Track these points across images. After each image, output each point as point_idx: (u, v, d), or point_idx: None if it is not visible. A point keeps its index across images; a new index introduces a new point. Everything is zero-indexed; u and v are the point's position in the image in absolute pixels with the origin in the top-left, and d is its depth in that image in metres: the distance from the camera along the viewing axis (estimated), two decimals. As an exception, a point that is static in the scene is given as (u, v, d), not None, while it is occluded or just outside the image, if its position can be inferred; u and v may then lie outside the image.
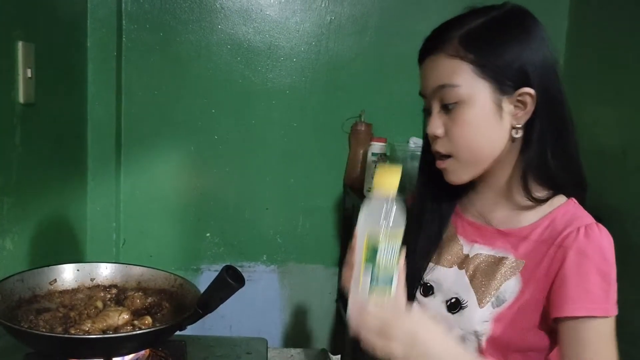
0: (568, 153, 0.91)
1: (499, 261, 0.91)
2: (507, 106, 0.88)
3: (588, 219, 0.89)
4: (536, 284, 0.87)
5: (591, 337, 0.82)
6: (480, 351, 0.89)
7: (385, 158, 1.90)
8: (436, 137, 0.91)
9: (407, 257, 0.99)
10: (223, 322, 2.07)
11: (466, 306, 0.91)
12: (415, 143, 1.93)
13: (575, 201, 0.92)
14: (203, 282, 2.01)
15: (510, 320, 0.88)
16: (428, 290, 0.98)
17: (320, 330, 2.19)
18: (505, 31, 0.88)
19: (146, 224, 2.04)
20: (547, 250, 0.87)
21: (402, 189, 0.76)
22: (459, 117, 0.88)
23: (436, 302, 0.95)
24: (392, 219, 0.74)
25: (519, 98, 0.88)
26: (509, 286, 0.89)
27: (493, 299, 0.89)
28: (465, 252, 0.97)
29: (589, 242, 0.84)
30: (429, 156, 0.97)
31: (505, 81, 0.87)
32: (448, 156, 0.91)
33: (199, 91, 2.00)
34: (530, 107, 0.88)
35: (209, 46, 1.98)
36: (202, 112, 2.01)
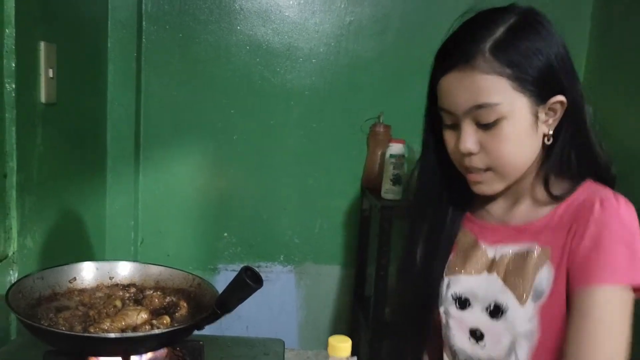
0: (593, 148, 0.90)
1: (526, 255, 0.90)
2: (541, 115, 0.87)
3: (605, 192, 0.87)
4: (564, 264, 0.86)
5: (604, 305, 0.79)
6: (535, 351, 0.87)
7: (403, 159, 1.89)
8: (470, 154, 0.88)
9: (420, 270, 1.00)
10: (240, 322, 2.07)
11: (507, 308, 0.89)
12: (434, 145, 1.91)
13: (592, 181, 0.91)
14: (220, 281, 2.04)
15: (554, 308, 0.86)
16: (464, 304, 0.95)
17: (337, 331, 2.18)
18: (531, 38, 0.85)
19: (164, 223, 2.05)
20: (567, 232, 0.86)
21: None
22: (499, 134, 0.85)
23: (476, 313, 0.93)
24: None
25: (551, 106, 0.87)
26: (543, 276, 0.87)
27: (532, 293, 0.87)
28: (490, 256, 0.95)
29: (604, 212, 0.83)
30: (437, 167, 0.96)
31: (541, 92, 0.85)
32: (486, 170, 0.89)
33: (218, 92, 2.01)
34: (560, 113, 0.88)
35: (228, 47, 1.99)
36: (221, 113, 2.02)
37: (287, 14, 1.99)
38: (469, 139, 0.87)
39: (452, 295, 0.97)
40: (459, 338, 0.96)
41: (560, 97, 0.86)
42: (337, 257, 2.14)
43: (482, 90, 0.83)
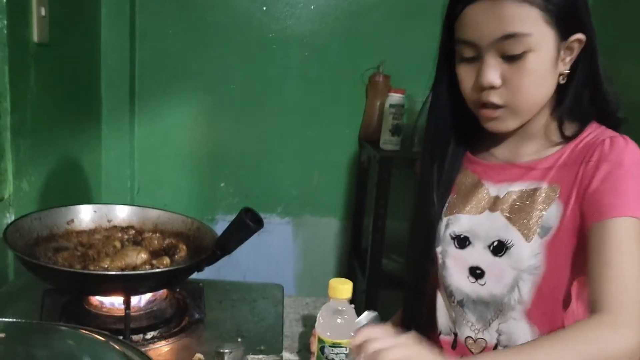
0: (602, 92, 0.89)
1: (533, 192, 0.90)
2: (561, 53, 0.85)
3: (612, 132, 0.87)
4: (573, 202, 0.85)
5: (622, 236, 0.78)
6: (538, 286, 0.87)
7: (403, 110, 1.87)
8: (492, 88, 0.85)
9: (422, 209, 1.00)
10: (238, 271, 2.07)
11: (512, 245, 0.89)
12: (435, 96, 1.88)
13: (597, 123, 0.90)
14: (218, 231, 2.02)
15: (560, 245, 0.86)
16: (464, 242, 0.95)
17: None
18: None
19: (161, 172, 2.03)
20: (577, 170, 0.86)
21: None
22: (525, 67, 0.83)
23: (477, 251, 0.93)
24: (340, 327, 0.85)
25: (570, 44, 0.85)
26: (551, 213, 0.87)
27: (538, 230, 0.87)
28: (493, 194, 0.95)
29: (614, 149, 0.83)
30: (443, 104, 0.95)
31: (566, 27, 0.83)
32: (498, 106, 0.87)
33: (215, 38, 1.96)
34: (577, 52, 0.86)
35: (226, -9, 1.93)
36: (219, 61, 1.97)
37: (287, -43, 1.92)
38: (493, 71, 0.84)
39: (450, 235, 0.97)
40: (456, 277, 0.96)
41: (580, 35, 0.84)
42: (334, 209, 2.13)
43: (513, 18, 0.80)
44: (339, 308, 0.86)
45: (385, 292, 1.86)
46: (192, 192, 2.07)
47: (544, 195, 0.88)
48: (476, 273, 0.94)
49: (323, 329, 0.86)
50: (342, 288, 0.86)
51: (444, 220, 0.98)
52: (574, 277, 0.88)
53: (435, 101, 0.98)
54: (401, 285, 1.69)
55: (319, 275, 2.16)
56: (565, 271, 0.87)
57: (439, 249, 0.98)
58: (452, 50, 0.90)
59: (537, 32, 0.81)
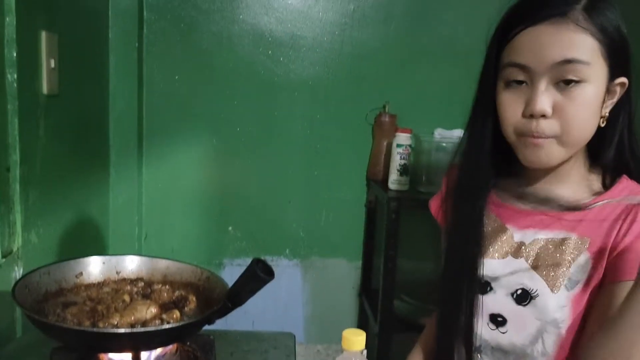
0: (636, 141, 0.88)
1: (561, 242, 0.87)
2: (607, 93, 0.84)
3: None
4: (603, 260, 0.83)
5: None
6: (562, 339, 0.85)
7: (410, 149, 1.87)
8: (543, 116, 0.81)
9: (454, 255, 0.97)
10: (246, 318, 2.05)
11: (537, 295, 0.86)
12: (441, 134, 1.89)
13: (627, 177, 0.89)
14: (226, 276, 1.97)
15: (585, 301, 0.84)
16: (485, 287, 0.92)
17: (344, 324, 2.16)
18: (612, 10, 0.81)
19: (168, 217, 2.02)
20: (610, 225, 0.83)
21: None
22: (577, 96, 0.80)
23: (499, 297, 0.90)
24: None
25: (613, 87, 0.84)
26: (580, 265, 0.84)
27: (565, 282, 0.85)
28: (517, 239, 0.92)
29: None
30: (484, 135, 0.91)
31: (616, 66, 0.81)
32: (550, 137, 0.83)
33: (221, 83, 1.97)
34: (618, 97, 0.84)
35: (231, 37, 1.95)
36: (224, 104, 1.99)
37: (290, 2, 1.95)
38: (546, 98, 0.81)
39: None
40: (477, 323, 0.93)
41: (624, 79, 0.83)
42: (343, 250, 2.11)
43: (576, 45, 0.78)
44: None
45: (397, 335, 1.83)
46: (200, 236, 2.05)
47: (572, 246, 0.86)
48: (497, 320, 0.91)
49: None
50: (356, 340, 0.84)
51: None
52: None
53: (475, 136, 0.93)
54: (413, 328, 1.66)
55: (329, 318, 2.13)
56: (585, 325, 0.85)
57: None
58: (494, 77, 0.87)
59: (595, 63, 0.79)
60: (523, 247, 0.91)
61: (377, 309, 1.84)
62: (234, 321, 1.91)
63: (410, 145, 1.87)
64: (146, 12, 1.89)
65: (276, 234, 2.07)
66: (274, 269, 2.04)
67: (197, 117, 1.99)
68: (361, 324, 2.13)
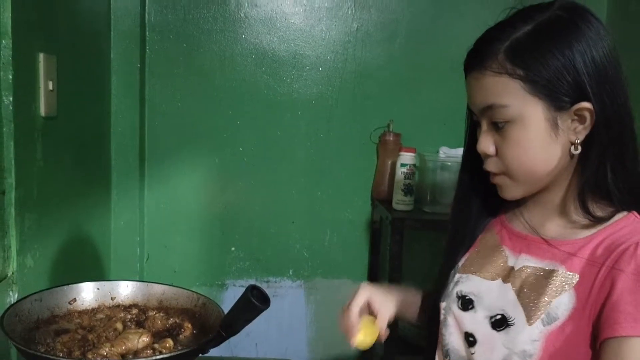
0: (629, 168, 0.83)
1: (548, 274, 0.84)
2: (564, 122, 0.81)
3: None
4: (589, 304, 0.79)
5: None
6: None
7: (415, 169, 1.84)
8: (487, 156, 0.87)
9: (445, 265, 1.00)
10: (248, 340, 2.01)
11: (513, 323, 0.84)
12: (445, 153, 1.86)
13: (637, 215, 0.84)
14: (228, 298, 1.99)
15: (561, 339, 0.80)
16: (467, 305, 0.91)
17: (349, 347, 2.12)
18: (553, 37, 0.79)
19: (170, 238, 2.00)
20: (600, 269, 0.79)
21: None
22: (509, 137, 0.83)
23: (478, 318, 0.89)
24: None
25: (577, 113, 0.80)
26: (562, 302, 0.81)
27: (543, 316, 0.81)
28: (510, 264, 0.90)
29: None
30: (470, 165, 0.95)
31: (559, 97, 0.79)
32: (503, 174, 0.87)
33: (224, 102, 1.96)
34: (590, 122, 0.81)
35: (233, 56, 1.95)
36: (227, 124, 1.97)
37: (292, 21, 1.95)
38: (485, 139, 0.86)
39: (457, 293, 0.93)
40: (454, 337, 0.92)
41: (586, 104, 0.79)
42: (347, 271, 2.08)
43: (492, 90, 0.82)
44: None
45: (401, 357, 1.78)
46: (202, 257, 2.03)
47: (559, 280, 0.82)
48: (469, 340, 0.89)
49: None
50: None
51: (456, 276, 0.95)
52: None
53: (463, 162, 0.98)
54: (417, 351, 1.62)
55: (333, 340, 2.09)
56: None
57: (443, 304, 0.95)
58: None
59: (518, 104, 0.81)
60: (512, 272, 0.88)
61: (382, 331, 1.80)
62: (237, 344, 1.89)
63: (414, 165, 1.84)
64: (148, 33, 1.89)
65: (279, 255, 2.04)
66: (277, 290, 2.02)
67: (199, 137, 1.97)
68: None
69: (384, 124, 1.98)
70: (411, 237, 1.78)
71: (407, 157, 1.84)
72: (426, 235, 1.99)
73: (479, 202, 0.98)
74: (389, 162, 1.96)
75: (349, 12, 1.95)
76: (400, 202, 1.83)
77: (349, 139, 2.01)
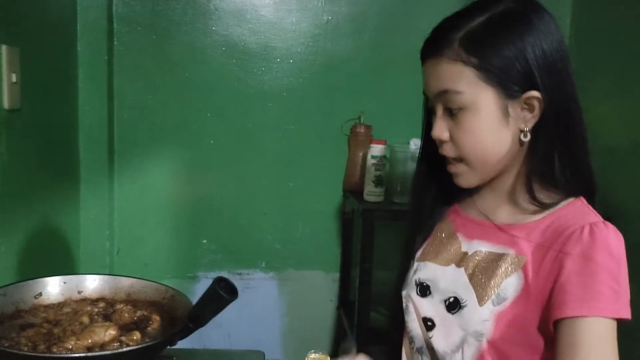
0: (577, 157, 0.87)
1: (499, 257, 0.88)
2: (514, 110, 0.85)
3: (594, 217, 0.85)
4: (538, 285, 0.83)
5: (592, 338, 0.76)
6: (481, 353, 0.86)
7: (385, 160, 1.85)
8: (442, 141, 0.89)
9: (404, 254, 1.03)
10: (221, 331, 2.01)
11: (465, 305, 0.88)
12: (416, 144, 1.88)
13: (584, 200, 0.88)
14: (200, 290, 1.96)
15: (511, 319, 0.84)
16: (425, 291, 0.95)
17: (322, 337, 2.14)
18: (506, 28, 0.83)
19: (141, 231, 1.99)
20: (547, 251, 0.83)
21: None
22: (463, 123, 0.86)
23: (434, 302, 0.93)
24: None
25: (526, 101, 0.84)
26: (510, 283, 0.85)
27: (493, 297, 0.85)
28: (463, 249, 0.93)
29: (593, 241, 0.79)
30: (427, 154, 0.97)
31: (510, 85, 0.83)
32: (458, 160, 0.89)
33: (193, 94, 1.95)
34: (538, 111, 0.84)
35: (203, 48, 1.93)
36: (197, 116, 1.96)
37: (262, 13, 1.94)
38: (439, 125, 0.88)
39: (415, 280, 0.97)
40: (415, 324, 0.96)
41: (534, 93, 0.83)
42: (319, 262, 2.09)
43: (447, 76, 0.85)
44: None
45: (374, 348, 1.80)
46: (174, 250, 2.02)
47: (508, 262, 0.86)
48: (427, 325, 0.93)
49: None
50: None
51: (415, 265, 0.99)
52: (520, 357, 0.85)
53: (420, 154, 1.01)
54: (388, 340, 1.65)
55: (306, 332, 2.10)
56: (511, 348, 0.84)
57: (404, 293, 0.98)
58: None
59: (471, 91, 0.83)
60: (466, 257, 0.92)
61: (354, 321, 1.82)
62: (209, 335, 1.89)
63: (384, 156, 1.86)
64: (116, 24, 1.87)
65: (251, 247, 2.05)
66: (250, 282, 2.03)
67: (169, 129, 1.96)
68: (339, 337, 2.11)
69: (355, 116, 1.99)
70: (382, 227, 1.79)
71: (377, 149, 1.85)
72: (396, 226, 2.00)
73: (435, 191, 1.00)
74: (360, 154, 1.97)
75: (319, 4, 1.95)
76: (371, 193, 1.85)
77: (319, 131, 2.01)
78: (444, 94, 0.85)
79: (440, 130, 0.88)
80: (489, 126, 0.85)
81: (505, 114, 0.84)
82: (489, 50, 0.82)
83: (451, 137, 0.88)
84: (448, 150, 0.89)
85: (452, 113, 0.86)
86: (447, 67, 0.84)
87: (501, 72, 0.82)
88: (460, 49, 0.83)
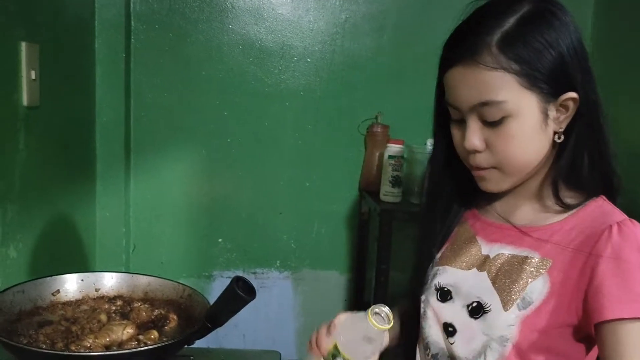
0: (605, 158, 0.85)
1: (523, 261, 0.85)
2: (552, 112, 0.82)
3: (619, 215, 0.82)
4: (566, 289, 0.80)
5: (636, 341, 0.74)
6: (504, 359, 0.83)
7: (402, 160, 1.84)
8: (476, 151, 0.84)
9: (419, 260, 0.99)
10: (236, 331, 2.01)
11: (489, 310, 0.85)
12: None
13: (605, 198, 0.86)
14: (215, 289, 1.98)
15: (537, 323, 0.81)
16: (446, 296, 0.92)
17: (336, 338, 2.12)
18: (543, 30, 0.79)
19: (157, 229, 1.99)
20: (576, 253, 0.81)
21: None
22: (505, 132, 0.81)
23: (456, 308, 0.89)
24: (363, 352, 0.86)
25: (563, 103, 0.81)
26: (536, 287, 0.82)
27: (518, 301, 0.83)
28: (484, 252, 0.91)
29: (624, 240, 0.77)
30: (440, 160, 0.94)
31: (552, 88, 0.80)
32: (489, 167, 0.85)
33: (210, 93, 1.95)
34: (572, 111, 0.82)
35: (220, 47, 1.93)
36: (214, 115, 1.96)
37: (280, 12, 1.93)
38: (474, 136, 0.82)
39: (435, 285, 0.93)
40: (434, 330, 0.93)
41: (572, 94, 0.81)
42: (335, 262, 2.08)
43: (487, 86, 0.79)
44: (372, 336, 0.84)
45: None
46: (189, 248, 2.02)
47: (533, 265, 0.84)
48: (448, 330, 0.90)
49: (346, 346, 0.87)
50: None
51: (434, 269, 0.96)
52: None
53: (433, 158, 0.97)
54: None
55: (320, 332, 2.09)
56: (535, 353, 0.82)
57: (422, 297, 0.95)
58: (446, 108, 0.87)
59: (515, 98, 0.79)
60: (488, 261, 0.89)
61: (369, 323, 1.80)
62: (224, 335, 1.88)
63: (402, 157, 1.84)
64: (134, 22, 1.87)
65: (267, 246, 2.04)
66: (265, 281, 2.01)
67: (186, 127, 1.96)
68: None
69: (372, 116, 1.97)
70: (399, 228, 1.77)
71: (395, 149, 1.83)
72: (414, 227, 1.98)
73: (451, 196, 0.97)
74: (377, 154, 1.96)
75: (337, 3, 1.94)
76: (388, 193, 1.83)
77: (337, 131, 2.00)
78: (482, 106, 0.80)
79: (476, 141, 0.83)
80: (531, 132, 0.81)
81: (546, 117, 0.81)
82: (528, 53, 0.78)
83: (487, 146, 0.83)
84: (481, 160, 0.84)
85: (489, 123, 0.81)
86: (485, 75, 0.78)
87: (543, 75, 0.79)
88: (500, 54, 0.78)
